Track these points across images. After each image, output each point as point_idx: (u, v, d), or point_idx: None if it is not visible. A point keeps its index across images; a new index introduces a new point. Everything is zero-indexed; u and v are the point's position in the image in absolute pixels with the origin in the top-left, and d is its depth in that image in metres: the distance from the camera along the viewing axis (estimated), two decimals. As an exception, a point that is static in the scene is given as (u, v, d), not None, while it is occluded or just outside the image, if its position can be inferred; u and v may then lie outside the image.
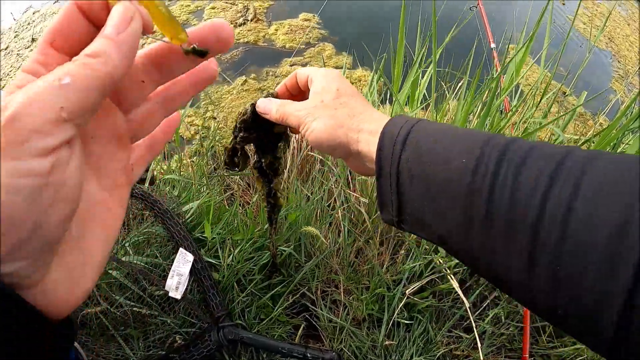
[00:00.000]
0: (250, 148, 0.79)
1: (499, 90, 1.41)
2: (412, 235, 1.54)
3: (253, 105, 0.72)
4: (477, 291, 1.53)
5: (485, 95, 1.35)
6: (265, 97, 0.72)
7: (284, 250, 1.51)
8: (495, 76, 1.34)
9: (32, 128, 0.25)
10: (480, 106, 1.71)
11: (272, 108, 0.69)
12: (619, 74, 4.01)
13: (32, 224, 0.25)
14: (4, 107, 0.25)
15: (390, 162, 0.52)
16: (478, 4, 1.79)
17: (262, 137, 0.76)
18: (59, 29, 0.30)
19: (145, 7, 0.29)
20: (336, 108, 0.62)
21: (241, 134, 0.74)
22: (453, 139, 0.49)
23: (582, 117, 3.32)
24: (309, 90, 0.69)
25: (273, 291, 1.47)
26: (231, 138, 0.77)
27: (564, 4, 4.62)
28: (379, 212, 0.60)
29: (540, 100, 1.52)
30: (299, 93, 0.73)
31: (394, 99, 1.62)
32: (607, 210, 0.36)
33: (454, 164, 0.46)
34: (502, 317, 1.54)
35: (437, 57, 1.42)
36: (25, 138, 0.24)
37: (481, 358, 1.39)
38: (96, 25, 0.30)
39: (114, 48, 0.28)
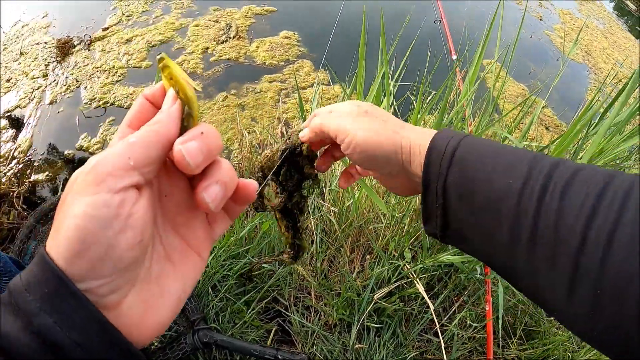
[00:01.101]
0: (271, 188, 0.74)
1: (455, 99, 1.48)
2: (380, 242, 1.61)
3: (284, 149, 0.68)
4: (443, 294, 1.59)
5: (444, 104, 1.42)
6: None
7: (263, 267, 1.56)
8: (449, 85, 1.42)
9: (107, 172, 0.33)
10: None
11: (305, 129, 0.66)
12: (594, 85, 4.12)
13: (104, 247, 0.32)
14: (90, 160, 0.34)
15: (437, 178, 0.53)
16: (442, 19, 1.88)
17: (290, 177, 0.71)
18: (133, 113, 0.41)
19: (182, 90, 0.41)
20: (385, 120, 0.61)
21: (265, 174, 0.70)
22: (499, 157, 0.50)
23: (558, 128, 3.41)
24: (337, 146, 0.65)
25: (247, 296, 1.53)
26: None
27: (541, 19, 4.73)
28: (422, 225, 0.60)
29: (510, 110, 1.60)
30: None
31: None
32: None
33: (500, 184, 0.48)
34: (468, 320, 1.60)
35: (399, 71, 1.49)
36: (102, 179, 0.33)
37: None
38: (157, 107, 0.41)
39: (165, 116, 0.38)
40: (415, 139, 0.58)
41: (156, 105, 0.42)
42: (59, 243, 0.32)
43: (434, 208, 0.54)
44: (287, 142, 0.70)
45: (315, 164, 0.70)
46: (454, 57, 1.59)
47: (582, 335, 0.45)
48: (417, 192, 0.63)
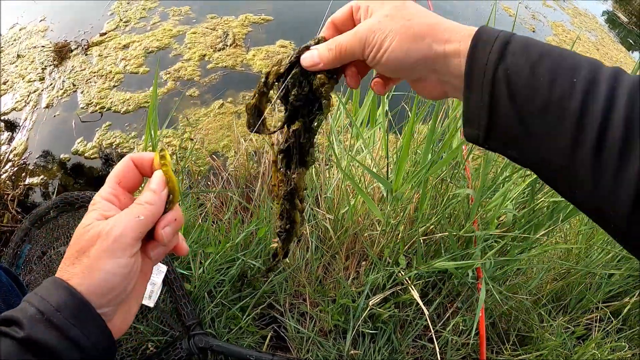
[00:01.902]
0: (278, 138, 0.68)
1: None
2: (375, 248, 1.62)
3: (296, 57, 0.61)
4: (437, 301, 1.61)
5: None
6: (306, 48, 0.61)
7: (253, 265, 1.58)
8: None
9: (128, 243, 0.50)
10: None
11: (321, 52, 0.59)
12: (586, 98, 4.15)
13: (122, 290, 0.52)
14: (110, 228, 0.50)
15: (484, 72, 0.48)
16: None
17: (300, 87, 0.63)
18: (121, 172, 0.57)
19: (171, 182, 0.56)
20: (409, 19, 0.53)
21: (268, 84, 0.64)
22: (562, 57, 0.47)
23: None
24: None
25: (242, 302, 1.54)
26: (254, 93, 0.66)
27: (534, 31, 4.79)
28: (462, 129, 0.55)
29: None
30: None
31: (351, 122, 1.70)
32: None
33: (564, 83, 0.44)
34: (460, 326, 1.61)
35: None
36: (124, 247, 0.50)
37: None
38: (142, 174, 0.58)
39: (158, 199, 0.54)
40: (457, 37, 0.52)
41: (140, 169, 0.58)
42: (91, 282, 0.49)
43: (478, 106, 0.50)
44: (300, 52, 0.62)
45: (332, 76, 0.62)
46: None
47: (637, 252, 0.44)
48: (448, 95, 0.58)
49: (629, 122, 0.41)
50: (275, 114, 2.09)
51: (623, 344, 1.70)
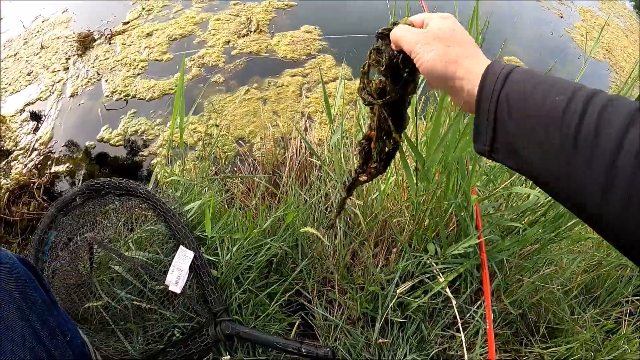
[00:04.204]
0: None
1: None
2: (404, 235, 1.59)
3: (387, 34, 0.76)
4: (467, 292, 1.57)
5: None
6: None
7: (279, 250, 1.56)
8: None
9: None
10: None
11: (392, 32, 0.74)
12: (616, 85, 4.06)
13: None
14: None
15: (490, 97, 0.60)
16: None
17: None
18: None
19: None
20: (450, 45, 0.67)
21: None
22: (550, 82, 0.57)
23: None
24: None
25: (270, 289, 1.52)
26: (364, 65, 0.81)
27: (562, 17, 4.68)
28: (473, 142, 0.67)
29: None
30: None
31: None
32: None
33: (551, 100, 0.55)
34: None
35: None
36: None
37: (465, 358, 1.43)
38: None
39: None
40: (477, 70, 0.64)
41: None
42: None
43: (485, 124, 0.62)
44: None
45: None
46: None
47: (613, 238, 0.52)
48: (467, 107, 0.69)
49: (597, 123, 0.50)
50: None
51: (653, 339, 1.65)
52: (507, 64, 0.63)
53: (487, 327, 1.35)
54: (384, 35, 0.76)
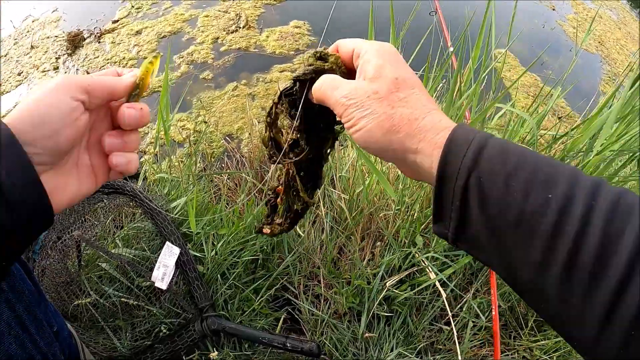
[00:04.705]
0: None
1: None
2: (390, 229, 1.59)
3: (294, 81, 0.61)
4: (454, 282, 1.57)
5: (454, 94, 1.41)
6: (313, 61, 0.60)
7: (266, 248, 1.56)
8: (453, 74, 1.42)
9: (71, 84, 0.53)
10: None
11: (314, 87, 0.59)
12: (608, 77, 4.06)
13: (55, 130, 0.51)
14: (61, 76, 0.53)
15: (456, 177, 0.47)
16: (437, 10, 1.84)
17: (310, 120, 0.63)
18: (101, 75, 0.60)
19: (143, 78, 0.60)
20: (394, 107, 0.51)
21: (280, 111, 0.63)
22: (537, 168, 0.44)
23: (572, 119, 3.37)
24: (354, 68, 0.58)
25: (256, 284, 1.53)
26: (265, 126, 0.66)
27: (554, 9, 4.67)
28: (432, 224, 0.53)
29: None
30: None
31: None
32: None
33: (538, 198, 0.43)
34: (475, 308, 1.57)
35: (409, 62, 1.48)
36: (66, 87, 0.52)
37: (458, 351, 1.43)
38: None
39: (119, 81, 0.58)
40: (433, 139, 0.50)
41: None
42: (22, 108, 0.49)
43: (449, 208, 0.48)
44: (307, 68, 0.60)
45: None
46: (450, 49, 1.57)
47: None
48: (422, 179, 0.55)
49: (601, 247, 0.40)
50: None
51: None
52: (473, 130, 0.49)
53: (493, 326, 1.35)
54: (303, 81, 0.60)
